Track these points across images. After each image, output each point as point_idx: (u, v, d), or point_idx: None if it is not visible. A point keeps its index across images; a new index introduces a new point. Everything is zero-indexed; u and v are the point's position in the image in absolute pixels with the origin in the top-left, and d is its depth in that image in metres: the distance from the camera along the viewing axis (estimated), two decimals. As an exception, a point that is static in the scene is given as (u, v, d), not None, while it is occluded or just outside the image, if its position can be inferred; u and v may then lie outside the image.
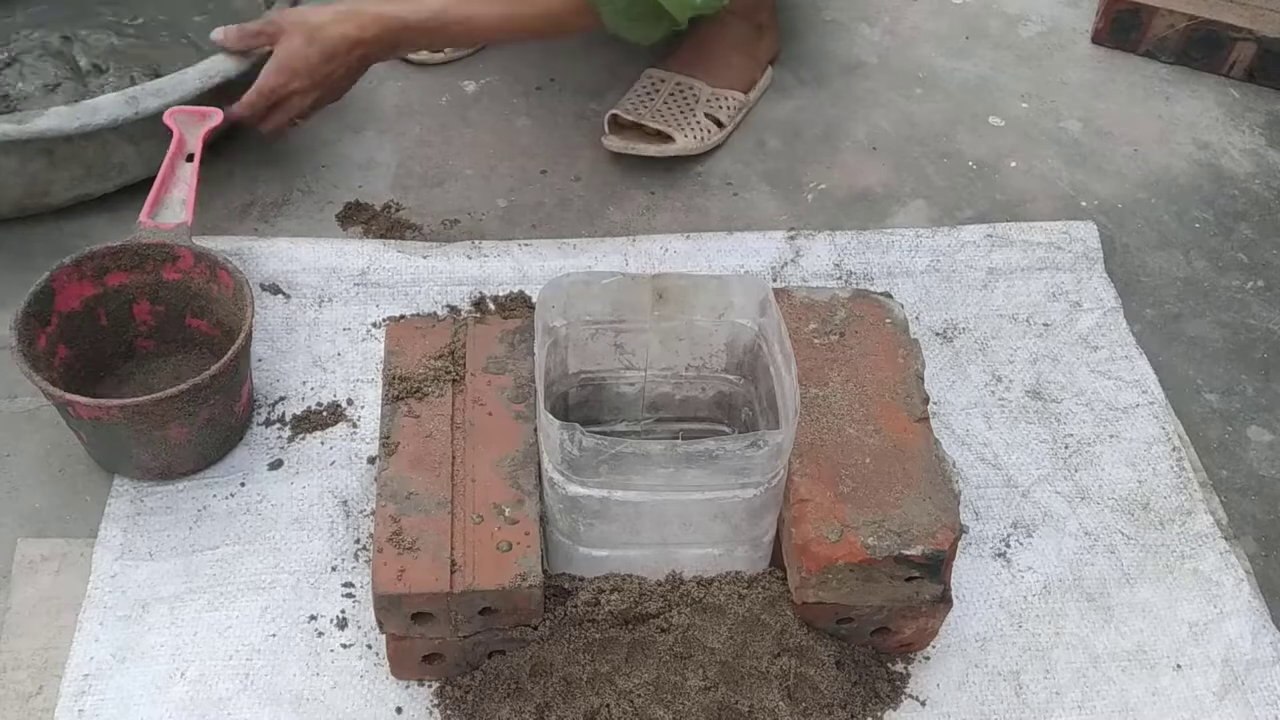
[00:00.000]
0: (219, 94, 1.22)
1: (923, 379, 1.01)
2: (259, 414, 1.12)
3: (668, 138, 1.40)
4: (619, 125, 1.41)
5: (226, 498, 1.06)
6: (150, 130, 1.19)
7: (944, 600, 0.94)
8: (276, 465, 1.08)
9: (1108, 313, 1.28)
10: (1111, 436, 1.17)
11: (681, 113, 1.42)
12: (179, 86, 1.19)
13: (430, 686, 0.95)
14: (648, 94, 1.44)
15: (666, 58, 1.48)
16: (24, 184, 1.17)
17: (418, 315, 1.21)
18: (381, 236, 1.30)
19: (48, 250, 1.21)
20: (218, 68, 1.22)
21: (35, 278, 1.05)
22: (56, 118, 1.13)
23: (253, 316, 1.04)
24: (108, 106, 1.15)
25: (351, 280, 1.24)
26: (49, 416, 1.11)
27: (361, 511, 1.05)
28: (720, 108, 1.45)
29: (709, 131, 1.43)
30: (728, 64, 1.48)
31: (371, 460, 1.09)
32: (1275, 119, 1.57)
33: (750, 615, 0.93)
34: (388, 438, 0.96)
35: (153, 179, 1.16)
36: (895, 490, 0.93)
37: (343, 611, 0.99)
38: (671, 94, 1.44)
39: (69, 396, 0.99)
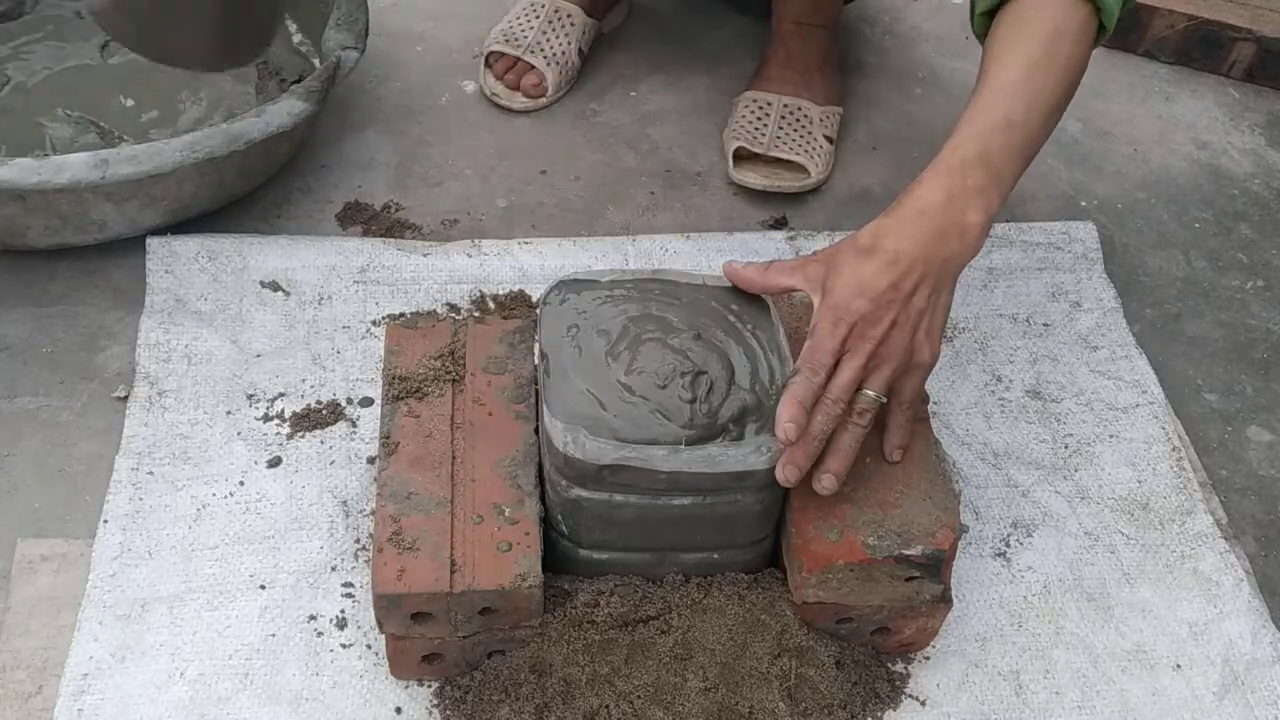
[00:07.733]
0: (200, 169, 1.18)
1: (923, 379, 1.01)
2: (257, 408, 1.12)
3: (801, 168, 1.37)
4: (739, 157, 1.38)
5: (225, 496, 1.05)
6: (133, 191, 1.16)
7: (944, 600, 0.94)
8: (275, 463, 1.08)
9: (1107, 313, 1.28)
10: (1111, 436, 1.17)
11: (803, 138, 1.38)
12: (155, 157, 1.14)
13: (430, 686, 0.95)
14: (759, 120, 1.39)
15: (759, 79, 1.44)
16: (1, 223, 1.17)
17: (418, 313, 1.21)
18: (381, 236, 1.30)
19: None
20: (204, 143, 1.16)
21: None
22: (17, 169, 1.11)
23: None
24: (72, 167, 1.11)
25: (351, 278, 1.24)
26: (49, 416, 1.11)
27: (361, 511, 1.05)
28: (830, 126, 1.42)
29: (828, 154, 1.40)
30: (825, 78, 1.45)
31: (371, 460, 1.09)
32: (1275, 119, 1.57)
33: (750, 616, 0.93)
34: (387, 437, 0.96)
35: (140, 238, 1.19)
36: (895, 490, 0.93)
37: (342, 611, 0.99)
38: (783, 117, 1.39)
39: None
